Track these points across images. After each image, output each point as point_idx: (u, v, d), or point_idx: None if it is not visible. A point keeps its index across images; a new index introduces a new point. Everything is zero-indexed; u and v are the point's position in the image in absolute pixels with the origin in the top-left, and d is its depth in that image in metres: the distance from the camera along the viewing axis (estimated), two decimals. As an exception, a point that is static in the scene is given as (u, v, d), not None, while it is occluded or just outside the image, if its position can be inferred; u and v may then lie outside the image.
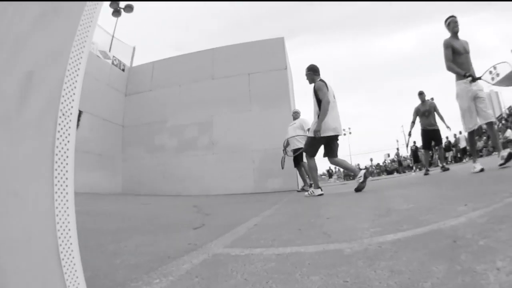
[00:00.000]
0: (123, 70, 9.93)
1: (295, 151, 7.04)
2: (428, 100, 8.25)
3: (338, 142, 5.00)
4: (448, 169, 7.75)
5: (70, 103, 0.78)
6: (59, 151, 0.76)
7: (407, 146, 7.55)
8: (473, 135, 4.83)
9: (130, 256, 1.47)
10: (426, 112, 8.00)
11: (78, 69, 0.80)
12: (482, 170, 4.33)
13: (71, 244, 0.74)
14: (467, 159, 17.85)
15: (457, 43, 4.66)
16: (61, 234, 0.73)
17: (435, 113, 7.97)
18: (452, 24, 4.75)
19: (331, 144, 4.93)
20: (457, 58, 4.62)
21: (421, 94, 8.14)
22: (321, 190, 4.98)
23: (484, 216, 1.51)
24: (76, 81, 0.79)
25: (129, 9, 16.04)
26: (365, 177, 4.61)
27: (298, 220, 2.42)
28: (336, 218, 2.30)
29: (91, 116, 8.22)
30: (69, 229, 0.75)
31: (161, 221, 2.86)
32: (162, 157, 8.89)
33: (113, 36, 10.49)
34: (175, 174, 8.60)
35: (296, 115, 7.58)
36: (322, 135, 4.80)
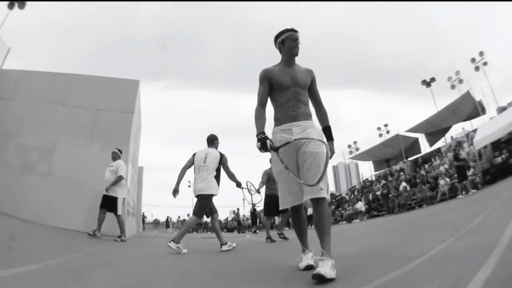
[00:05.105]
0: (-9, 70, 9.12)
1: (105, 197, 6.95)
2: None
3: (205, 201, 5.39)
4: (286, 238, 7.89)
5: None
6: None
7: (251, 205, 7.34)
8: (296, 214, 3.05)
9: None
10: None
11: None
12: (309, 267, 2.80)
13: None
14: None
15: (282, 73, 2.97)
16: None
17: None
18: (289, 42, 2.98)
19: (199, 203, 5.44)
20: (278, 95, 2.97)
21: None
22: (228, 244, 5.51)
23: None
24: None
25: (21, 5, 15.20)
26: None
27: (52, 277, 2.58)
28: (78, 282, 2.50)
29: None
30: None
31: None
32: (5, 173, 8.22)
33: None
34: (14, 194, 7.96)
35: (113, 155, 7.38)
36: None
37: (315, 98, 3.09)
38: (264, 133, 2.71)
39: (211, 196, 5.46)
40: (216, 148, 5.84)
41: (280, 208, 2.98)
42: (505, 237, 2.58)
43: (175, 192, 5.53)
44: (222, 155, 5.66)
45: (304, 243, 3.02)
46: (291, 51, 2.98)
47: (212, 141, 5.84)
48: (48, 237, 5.87)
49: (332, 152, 2.89)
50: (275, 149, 2.67)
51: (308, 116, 2.98)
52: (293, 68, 3.01)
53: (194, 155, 5.70)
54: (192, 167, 5.64)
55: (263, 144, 2.64)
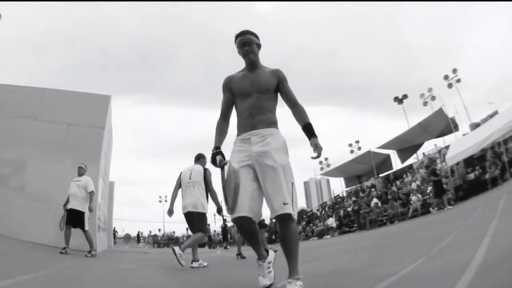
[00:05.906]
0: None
1: (71, 211, 6.71)
2: None
3: (201, 218, 5.54)
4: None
5: None
6: None
7: (222, 220, 7.39)
8: (241, 227, 2.60)
9: None
10: None
11: None
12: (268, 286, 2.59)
13: None
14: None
15: (243, 78, 2.76)
16: None
17: None
18: (239, 48, 2.76)
19: (189, 220, 5.57)
20: (239, 103, 2.76)
21: None
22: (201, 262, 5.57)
23: None
24: None
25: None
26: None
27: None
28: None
29: None
30: None
31: None
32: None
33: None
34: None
35: (81, 171, 7.16)
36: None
37: (289, 98, 2.78)
38: (218, 148, 2.61)
39: (203, 214, 5.58)
40: (203, 166, 5.93)
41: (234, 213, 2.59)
42: (477, 258, 2.51)
43: (170, 212, 5.66)
44: (205, 169, 5.79)
45: (258, 253, 2.73)
46: (244, 58, 2.74)
47: (198, 158, 6.04)
48: (20, 252, 5.89)
49: (320, 148, 2.54)
50: (221, 166, 2.50)
51: (270, 124, 2.68)
52: (255, 72, 2.75)
53: (180, 174, 5.84)
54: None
55: (213, 160, 2.54)
